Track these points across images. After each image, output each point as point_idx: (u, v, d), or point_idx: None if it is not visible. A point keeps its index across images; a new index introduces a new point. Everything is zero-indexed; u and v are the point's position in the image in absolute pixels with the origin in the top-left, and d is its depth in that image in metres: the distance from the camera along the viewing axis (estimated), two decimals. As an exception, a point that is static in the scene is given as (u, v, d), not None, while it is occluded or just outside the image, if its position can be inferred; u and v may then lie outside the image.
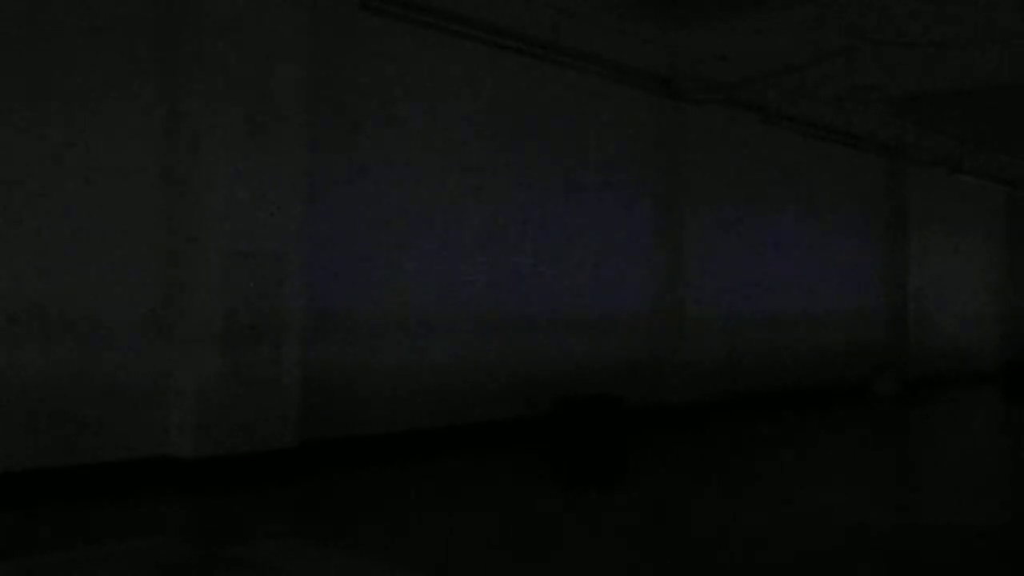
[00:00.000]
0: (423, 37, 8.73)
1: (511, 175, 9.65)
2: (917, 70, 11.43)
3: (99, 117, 6.68)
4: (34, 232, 6.38)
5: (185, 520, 6.37)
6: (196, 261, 6.93)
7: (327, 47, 8.01)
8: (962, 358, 17.57)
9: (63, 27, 6.52)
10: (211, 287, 6.92)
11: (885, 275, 15.92)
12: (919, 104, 13.58)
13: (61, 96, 6.49)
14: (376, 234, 8.43)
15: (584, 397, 9.76)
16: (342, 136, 8.19)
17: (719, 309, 11.80)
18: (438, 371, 8.88)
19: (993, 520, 6.77)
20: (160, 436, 6.93)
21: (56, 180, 6.47)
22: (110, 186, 6.72)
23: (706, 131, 11.63)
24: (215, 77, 6.99)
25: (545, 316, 9.91)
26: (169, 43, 7.02)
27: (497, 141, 9.49)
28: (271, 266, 7.25)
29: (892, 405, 14.19)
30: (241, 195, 7.08)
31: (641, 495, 7.44)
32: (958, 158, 16.61)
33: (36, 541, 5.43)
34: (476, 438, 9.05)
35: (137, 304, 6.84)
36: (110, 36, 6.74)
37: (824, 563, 5.45)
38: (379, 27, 8.40)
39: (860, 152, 14.92)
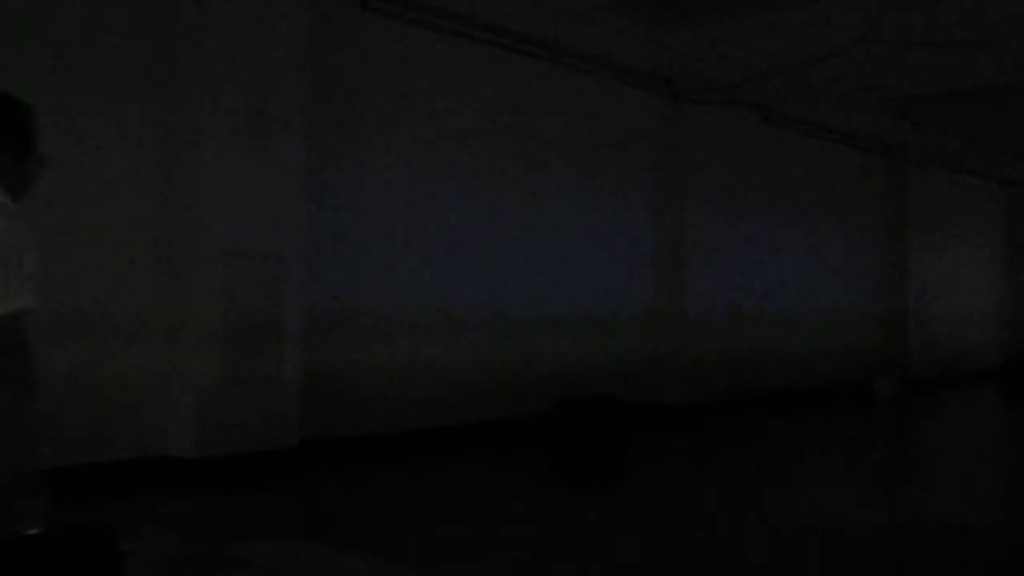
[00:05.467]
0: (423, 37, 8.72)
1: (511, 175, 9.64)
2: (917, 70, 11.41)
3: (98, 117, 6.67)
4: (32, 232, 6.37)
5: (185, 519, 6.37)
6: (196, 261, 6.93)
7: (327, 47, 8.01)
8: (962, 358, 17.56)
9: (62, 26, 6.52)
10: (211, 287, 6.92)
11: (885, 275, 15.91)
12: (919, 104, 13.57)
13: (60, 96, 6.48)
14: (376, 234, 8.43)
15: (584, 397, 9.74)
16: (342, 136, 8.19)
17: (719, 309, 11.79)
18: (438, 371, 8.87)
19: (992, 519, 6.77)
20: (160, 436, 6.93)
21: (54, 181, 6.45)
22: (109, 186, 6.72)
23: (706, 131, 11.62)
24: (215, 77, 6.99)
25: (545, 316, 9.90)
26: (169, 43, 7.02)
27: (497, 141, 9.48)
28: (271, 266, 7.25)
29: (892, 405, 14.18)
30: (241, 195, 7.08)
31: (641, 496, 7.44)
32: (958, 158, 16.60)
33: (36, 541, 5.42)
34: (476, 438, 9.04)
35: (137, 304, 6.83)
36: (110, 35, 6.74)
37: (824, 562, 5.45)
38: (379, 27, 8.39)
39: (860, 152, 14.90)
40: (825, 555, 5.59)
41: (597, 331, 10.51)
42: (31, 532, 2.21)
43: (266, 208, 7.22)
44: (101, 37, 6.70)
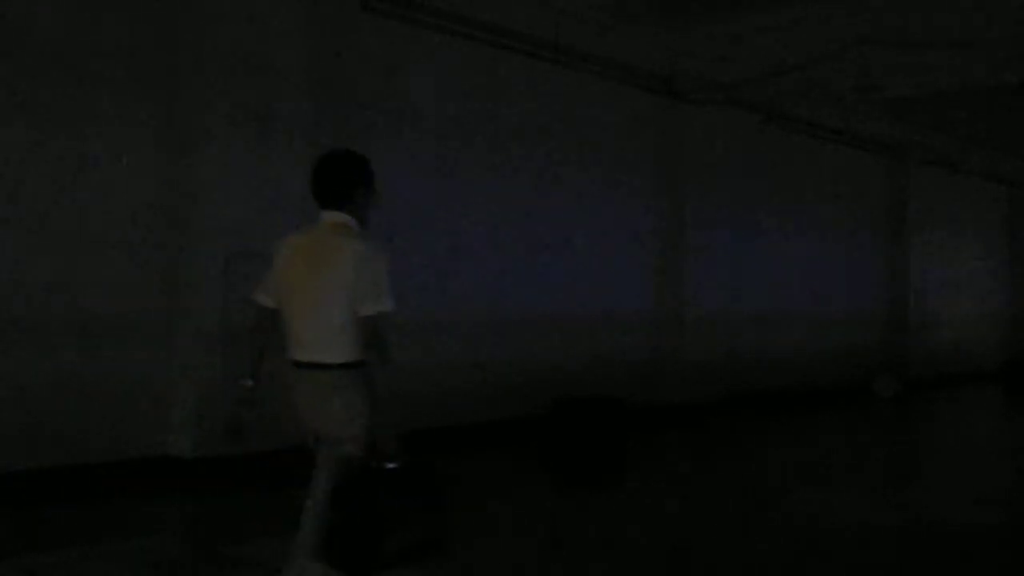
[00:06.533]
0: (424, 37, 8.71)
1: (511, 175, 9.63)
2: (917, 70, 11.41)
3: (99, 118, 6.67)
4: (34, 233, 6.37)
5: (185, 520, 6.38)
6: (196, 261, 6.93)
7: (328, 47, 7.99)
8: (962, 358, 17.54)
9: (62, 25, 6.52)
10: (211, 287, 6.91)
11: (885, 275, 15.90)
12: (919, 104, 13.57)
13: (60, 96, 6.48)
14: (375, 234, 8.40)
15: (584, 397, 9.75)
16: (342, 136, 8.16)
17: (719, 309, 11.78)
18: (438, 371, 8.85)
19: (994, 520, 6.77)
20: (160, 436, 6.92)
21: (56, 181, 6.46)
22: (110, 186, 6.71)
23: (706, 131, 11.61)
24: (215, 78, 6.98)
25: (545, 316, 9.89)
26: (169, 43, 7.01)
27: (497, 141, 9.48)
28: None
29: (892, 405, 14.18)
30: (241, 195, 7.08)
31: (641, 495, 7.43)
32: (958, 158, 16.59)
33: (36, 541, 5.43)
34: (476, 438, 9.04)
35: (137, 304, 6.83)
36: (110, 36, 6.74)
37: (824, 561, 5.45)
38: (380, 27, 8.39)
39: (860, 152, 14.89)
40: (825, 554, 5.59)
41: (597, 331, 10.50)
42: (391, 465, 3.37)
43: (266, 208, 7.21)
44: (101, 37, 6.69)
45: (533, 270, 9.82)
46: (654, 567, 5.37)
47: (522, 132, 9.71)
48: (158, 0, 6.97)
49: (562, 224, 10.16)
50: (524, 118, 9.73)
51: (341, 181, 3.87)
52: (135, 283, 6.83)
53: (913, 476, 9.22)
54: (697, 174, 11.59)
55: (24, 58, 6.34)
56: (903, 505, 7.33)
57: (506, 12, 9.21)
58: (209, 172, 6.95)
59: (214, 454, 6.90)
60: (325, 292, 3.53)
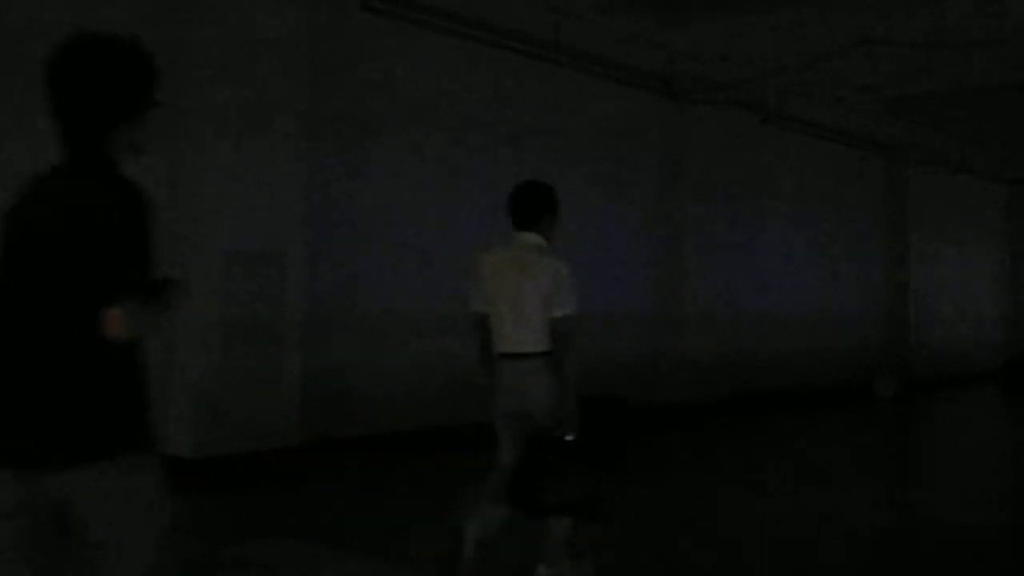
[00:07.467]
0: (424, 37, 8.72)
1: (510, 175, 9.60)
2: (917, 70, 11.41)
3: (99, 117, 6.66)
4: (34, 232, 6.37)
5: (185, 520, 6.35)
6: (196, 261, 6.93)
7: (327, 47, 8.00)
8: (963, 358, 17.54)
9: (61, 26, 6.51)
10: (211, 287, 6.92)
11: (885, 275, 15.90)
12: (919, 104, 13.57)
13: (61, 96, 6.48)
14: (376, 234, 8.43)
15: (586, 397, 9.72)
16: (342, 136, 8.18)
17: (719, 309, 11.78)
18: (438, 371, 8.86)
19: (996, 520, 6.77)
20: (160, 435, 6.90)
21: (56, 180, 6.46)
22: (110, 186, 6.71)
23: (706, 131, 11.61)
24: (215, 77, 6.99)
25: (545, 316, 9.88)
26: (169, 43, 7.00)
27: (497, 141, 9.48)
28: (271, 266, 7.24)
29: (892, 406, 14.18)
30: (241, 195, 7.08)
31: (642, 496, 7.43)
32: (958, 158, 16.60)
33: (36, 541, 5.41)
34: (476, 438, 9.02)
35: (137, 304, 6.82)
36: (110, 36, 6.74)
37: (826, 561, 5.45)
38: (379, 27, 8.39)
39: (860, 152, 14.89)
40: (826, 553, 5.59)
41: (597, 330, 10.49)
42: (568, 437, 4.45)
43: (266, 208, 7.22)
44: (101, 37, 6.68)
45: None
46: (656, 565, 5.37)
47: (521, 132, 9.71)
48: (158, 0, 6.98)
49: (561, 224, 10.13)
50: (523, 118, 9.72)
51: (533, 208, 4.75)
52: (135, 283, 6.82)
53: (914, 476, 9.22)
54: (697, 174, 11.59)
55: (23, 58, 6.33)
56: (904, 505, 7.34)
57: (506, 11, 9.21)
58: (209, 172, 6.95)
59: (214, 454, 6.91)
60: (527, 297, 4.43)
